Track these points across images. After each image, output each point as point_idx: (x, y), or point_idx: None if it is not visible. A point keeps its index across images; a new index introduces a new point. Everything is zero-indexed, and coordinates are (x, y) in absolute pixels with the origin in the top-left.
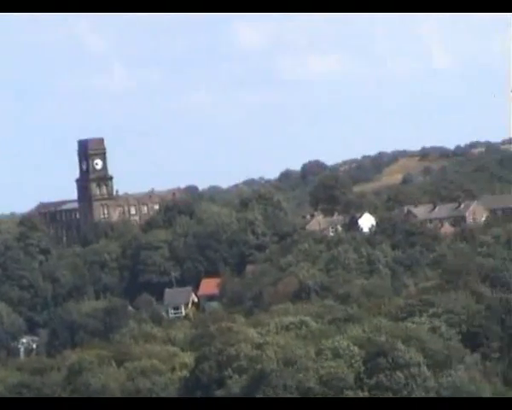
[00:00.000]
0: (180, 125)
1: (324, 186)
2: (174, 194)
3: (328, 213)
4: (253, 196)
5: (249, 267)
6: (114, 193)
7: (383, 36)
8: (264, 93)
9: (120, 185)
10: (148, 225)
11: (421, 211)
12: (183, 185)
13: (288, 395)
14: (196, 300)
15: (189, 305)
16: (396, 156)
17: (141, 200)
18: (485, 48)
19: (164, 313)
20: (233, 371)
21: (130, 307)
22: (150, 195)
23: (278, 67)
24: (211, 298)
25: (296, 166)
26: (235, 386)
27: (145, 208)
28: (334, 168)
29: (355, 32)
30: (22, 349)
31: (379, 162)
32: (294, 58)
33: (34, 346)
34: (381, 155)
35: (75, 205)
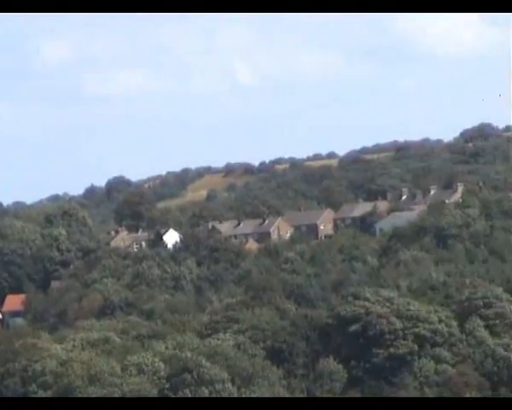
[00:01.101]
0: None
1: (129, 202)
2: None
3: (132, 229)
4: (57, 212)
5: (54, 283)
6: None
7: (186, 50)
8: (68, 109)
9: None
10: None
11: (225, 227)
12: None
13: None
14: (0, 316)
15: None
16: (200, 173)
17: None
18: (287, 63)
19: None
20: (38, 387)
21: None
22: None
23: (83, 83)
24: (15, 314)
25: (101, 183)
26: None
27: None
28: (139, 184)
29: (161, 46)
30: None
31: (183, 179)
32: (100, 74)
33: None
34: (185, 171)
35: None
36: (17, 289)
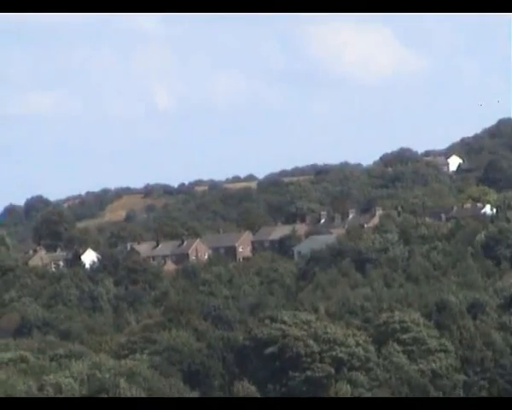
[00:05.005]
0: None
1: (48, 222)
2: None
3: (51, 248)
4: None
5: None
6: None
7: (105, 75)
8: None
9: None
10: None
11: (144, 248)
12: None
13: None
14: None
15: None
16: (119, 193)
17: None
18: (203, 86)
19: None
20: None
21: None
22: None
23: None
24: None
25: (20, 202)
26: None
27: None
28: (58, 204)
29: (76, 69)
30: None
31: (102, 199)
32: (14, 94)
33: None
34: (104, 191)
35: None
36: None
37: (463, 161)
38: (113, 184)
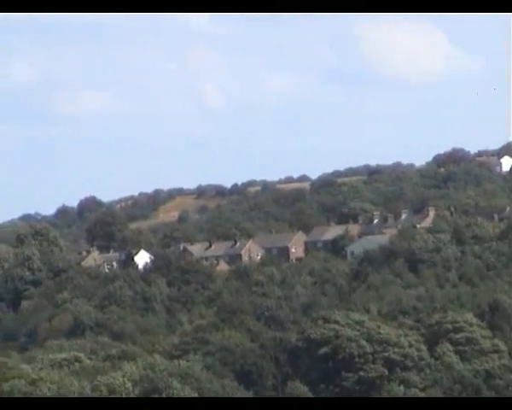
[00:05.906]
0: None
1: (101, 223)
2: None
3: (104, 249)
4: (29, 231)
5: (24, 303)
6: None
7: (157, 74)
8: (37, 128)
9: None
10: None
11: (197, 249)
12: None
13: None
14: None
15: None
16: (172, 194)
17: None
18: (254, 85)
19: None
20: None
21: None
22: None
23: (52, 103)
24: None
25: (73, 203)
26: None
27: None
28: (111, 205)
29: (127, 68)
30: None
31: (155, 200)
32: (66, 93)
33: None
34: (157, 192)
35: None
36: None
37: None
38: (165, 185)
